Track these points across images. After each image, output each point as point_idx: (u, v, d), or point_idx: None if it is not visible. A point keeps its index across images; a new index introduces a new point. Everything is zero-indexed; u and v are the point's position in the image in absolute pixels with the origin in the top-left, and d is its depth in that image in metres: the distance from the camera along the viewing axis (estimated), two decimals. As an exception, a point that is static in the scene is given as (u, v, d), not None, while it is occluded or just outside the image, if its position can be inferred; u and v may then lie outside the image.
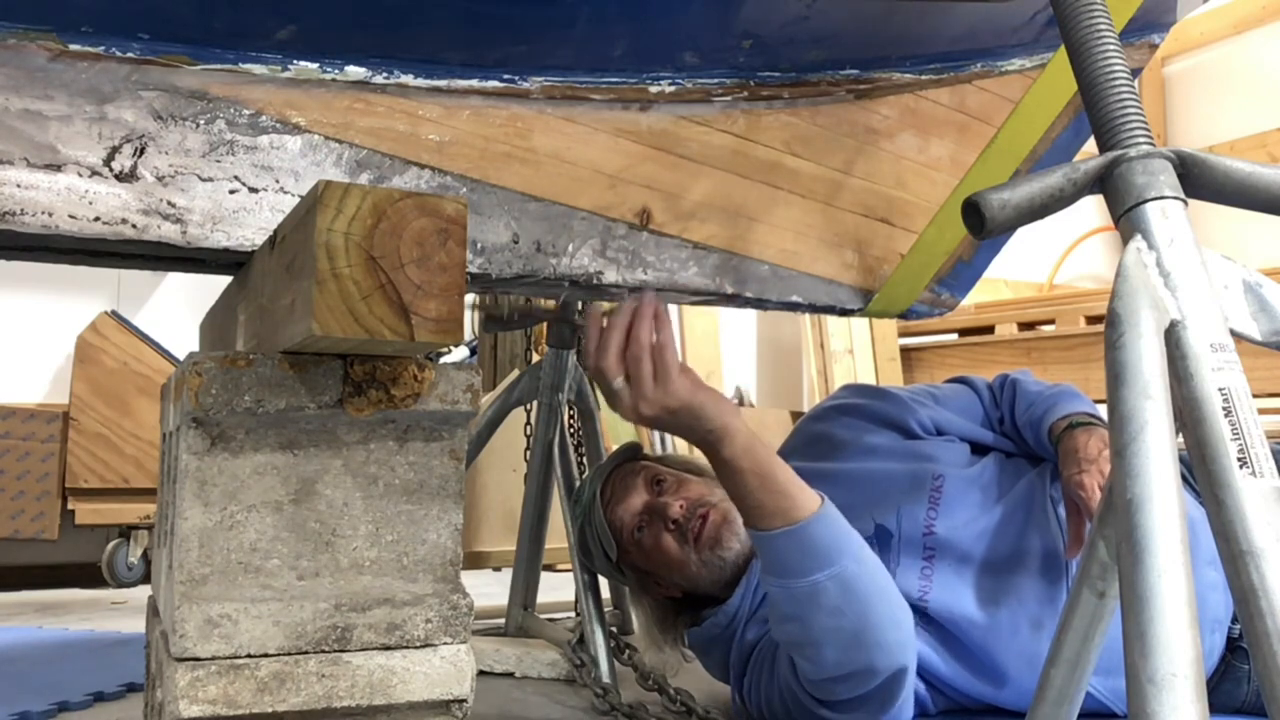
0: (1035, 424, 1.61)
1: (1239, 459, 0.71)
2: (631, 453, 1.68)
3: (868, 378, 4.35)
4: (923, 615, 1.46)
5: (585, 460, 2.31)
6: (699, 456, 1.41)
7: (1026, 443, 1.64)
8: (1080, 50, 0.91)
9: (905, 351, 4.50)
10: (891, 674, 1.29)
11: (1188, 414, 0.74)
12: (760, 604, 1.53)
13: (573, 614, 2.20)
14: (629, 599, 2.02)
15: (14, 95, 0.95)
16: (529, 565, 2.23)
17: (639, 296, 1.23)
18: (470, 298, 2.29)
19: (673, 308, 3.96)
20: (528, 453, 2.36)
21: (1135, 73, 1.03)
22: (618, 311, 1.23)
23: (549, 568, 2.86)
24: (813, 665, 1.30)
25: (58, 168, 0.96)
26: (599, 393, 2.40)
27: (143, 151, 1.00)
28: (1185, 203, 0.83)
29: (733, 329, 4.60)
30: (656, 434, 3.90)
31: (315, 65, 1.06)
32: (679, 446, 3.92)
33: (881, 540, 1.50)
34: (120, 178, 0.99)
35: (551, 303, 2.09)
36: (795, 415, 4.52)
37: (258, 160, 1.04)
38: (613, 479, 1.62)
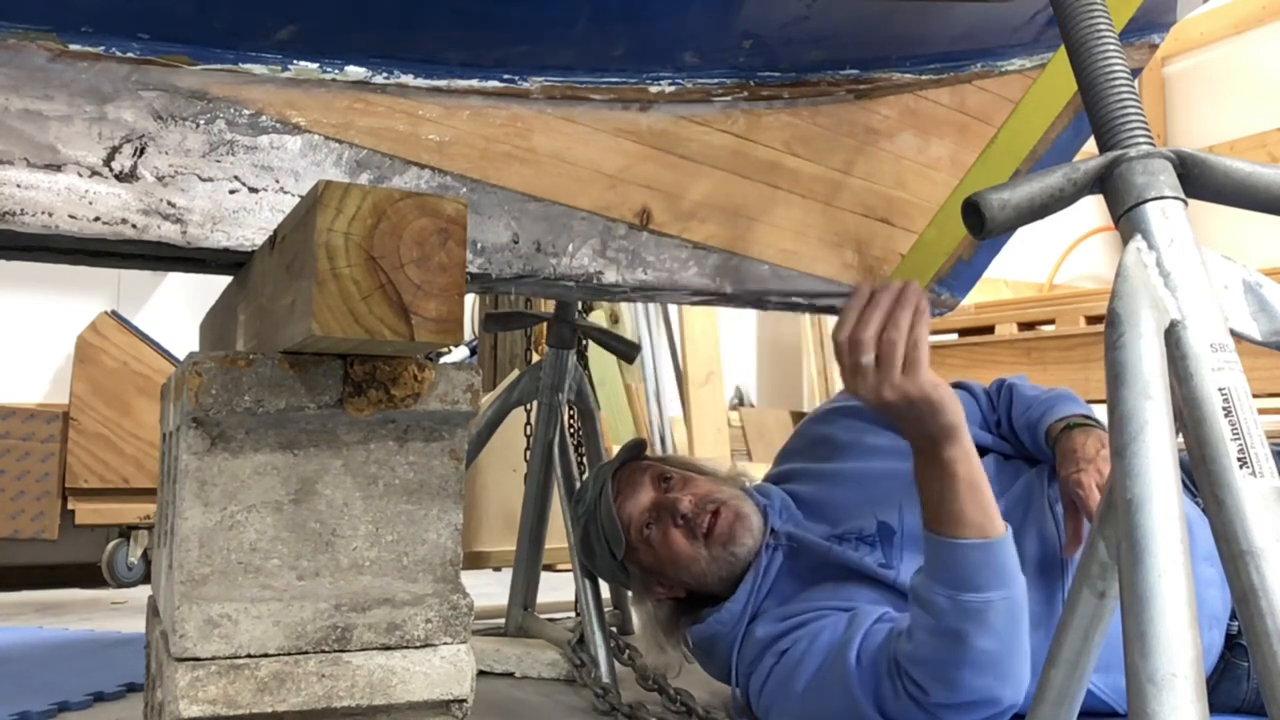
0: (1032, 426, 1.61)
1: (1239, 459, 0.71)
2: (636, 450, 1.68)
3: (868, 378, 4.33)
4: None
5: (585, 460, 2.31)
6: (701, 458, 1.40)
7: (1024, 445, 1.65)
8: (1080, 50, 0.91)
9: (905, 351, 4.49)
10: (1007, 708, 1.29)
11: (1188, 414, 0.74)
12: (766, 599, 1.53)
13: (573, 614, 2.20)
14: (630, 599, 2.01)
15: (14, 95, 0.95)
16: (529, 565, 2.23)
17: (906, 284, 1.23)
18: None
19: (672, 307, 3.96)
20: (528, 453, 2.36)
21: (1135, 73, 1.03)
22: (883, 292, 1.22)
23: (549, 568, 2.86)
24: (943, 686, 1.27)
25: (58, 168, 0.96)
26: (597, 395, 2.40)
27: (143, 151, 1.00)
28: (1185, 203, 0.83)
29: (733, 329, 4.60)
30: (657, 434, 3.90)
31: (315, 65, 1.06)
32: (677, 447, 3.93)
33: (884, 537, 1.50)
34: (120, 178, 0.99)
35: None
36: (795, 415, 4.52)
37: (258, 160, 1.04)
38: (618, 476, 1.61)
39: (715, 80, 1.28)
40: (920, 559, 1.47)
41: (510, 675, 1.98)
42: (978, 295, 2.59)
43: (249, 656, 0.85)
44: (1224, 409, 0.73)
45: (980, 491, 1.25)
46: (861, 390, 1.21)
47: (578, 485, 2.03)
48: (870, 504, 1.53)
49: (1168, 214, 0.81)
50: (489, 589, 2.87)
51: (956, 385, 1.80)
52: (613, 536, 1.57)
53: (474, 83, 1.14)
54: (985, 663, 1.25)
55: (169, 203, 1.01)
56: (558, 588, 2.68)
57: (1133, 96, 0.88)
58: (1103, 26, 0.90)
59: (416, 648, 0.90)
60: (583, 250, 1.24)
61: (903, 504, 1.53)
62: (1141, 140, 0.85)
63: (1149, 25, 1.55)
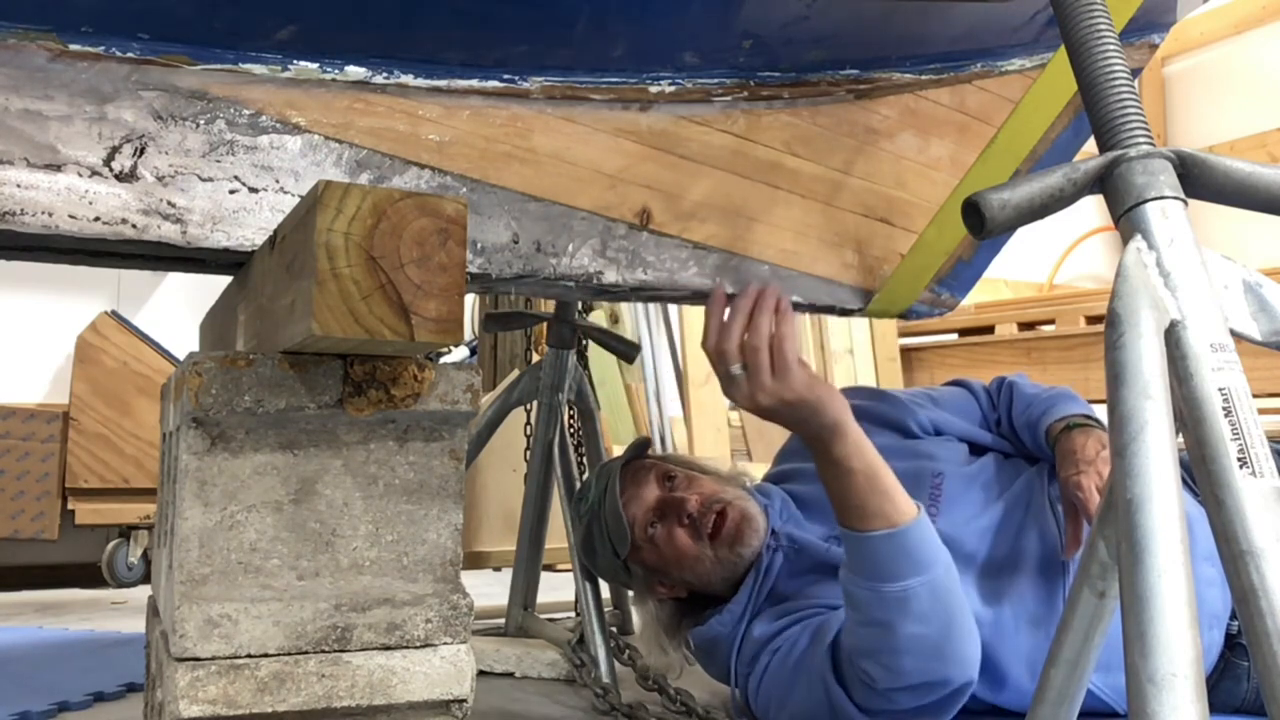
0: (1033, 425, 1.61)
1: (1239, 459, 0.71)
2: (641, 449, 1.68)
3: (868, 378, 4.35)
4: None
5: (585, 460, 2.31)
6: (702, 458, 1.41)
7: (1024, 444, 1.65)
8: (1080, 50, 0.91)
9: (905, 351, 4.50)
10: (958, 687, 1.29)
11: (1188, 414, 0.74)
12: (766, 600, 1.53)
13: (573, 614, 2.20)
14: (631, 600, 2.01)
15: (14, 95, 0.95)
16: (529, 565, 2.23)
17: (763, 289, 1.23)
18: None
19: (672, 307, 3.96)
20: (528, 453, 2.36)
21: (1135, 73, 1.03)
22: (740, 297, 1.22)
23: (549, 568, 2.86)
24: (889, 673, 1.28)
25: (58, 168, 0.96)
26: (597, 395, 2.40)
27: (143, 151, 1.00)
28: (1185, 203, 0.83)
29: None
30: (657, 434, 3.91)
31: (315, 65, 1.06)
32: (678, 447, 3.93)
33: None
34: (120, 178, 0.99)
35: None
36: (795, 415, 4.51)
37: (258, 160, 1.04)
38: (623, 475, 1.61)
39: (715, 80, 1.28)
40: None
41: (510, 675, 1.98)
42: (978, 295, 2.59)
43: (249, 656, 0.85)
44: (1224, 409, 0.73)
45: (879, 481, 1.24)
46: (737, 399, 1.22)
47: (578, 485, 2.03)
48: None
49: (1168, 214, 0.81)
50: (489, 589, 2.87)
51: (956, 383, 1.80)
52: (617, 535, 1.57)
53: (474, 83, 1.14)
54: (919, 648, 1.25)
55: (169, 203, 1.01)
56: (558, 588, 2.68)
57: (1133, 96, 0.88)
58: (1103, 26, 0.90)
59: (416, 648, 0.90)
60: (583, 250, 1.24)
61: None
62: (1141, 140, 0.85)
63: (1149, 25, 1.55)
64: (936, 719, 1.34)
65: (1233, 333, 0.79)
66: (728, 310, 1.25)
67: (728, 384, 1.23)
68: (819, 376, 1.24)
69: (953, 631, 1.26)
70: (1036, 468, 1.61)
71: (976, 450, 1.67)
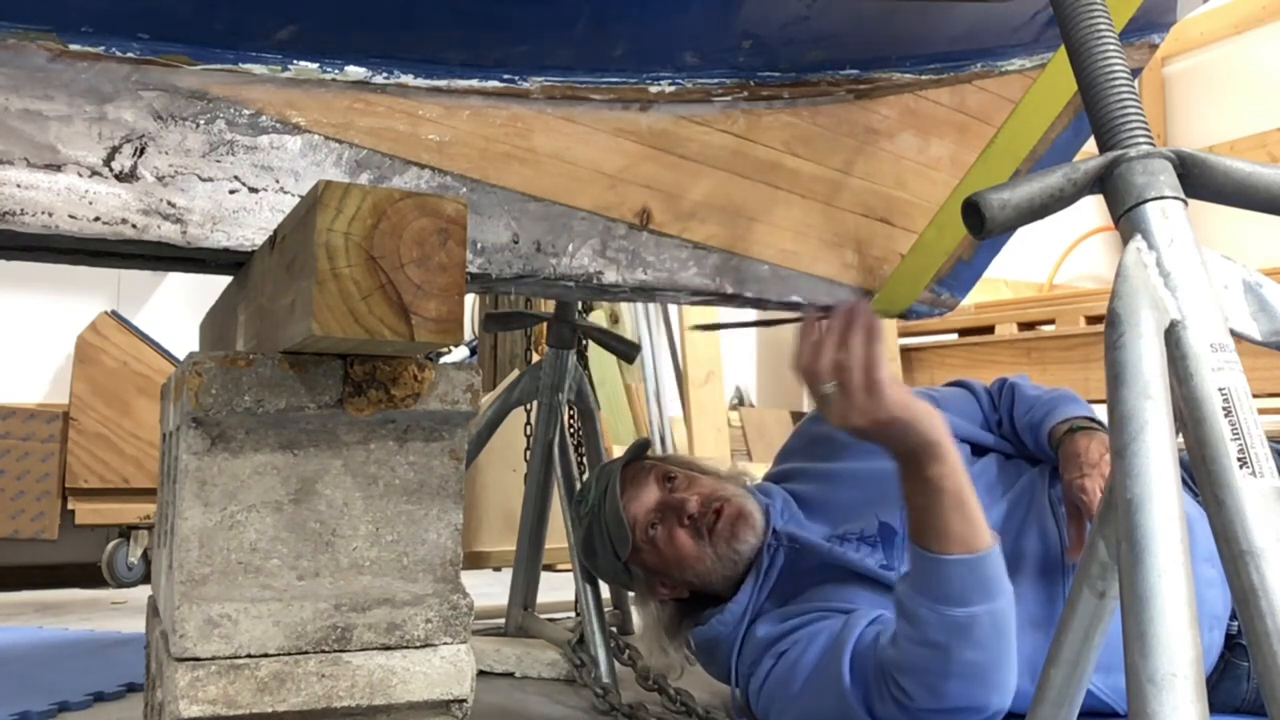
0: (1035, 427, 1.61)
1: (1239, 459, 0.71)
2: (641, 450, 1.68)
3: (868, 378, 4.34)
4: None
5: (585, 460, 2.31)
6: (702, 458, 1.40)
7: (1025, 445, 1.64)
8: (1080, 50, 0.90)
9: (905, 351, 4.50)
10: (993, 714, 1.29)
11: (1188, 414, 0.74)
12: (767, 600, 1.53)
13: (573, 614, 2.20)
14: (632, 600, 2.01)
15: (14, 95, 0.95)
16: (529, 565, 2.23)
17: (854, 304, 1.21)
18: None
19: (673, 307, 3.96)
20: (528, 453, 2.36)
21: (1135, 73, 1.03)
22: (833, 318, 1.20)
23: (549, 568, 2.85)
24: (929, 694, 1.27)
25: (58, 168, 0.96)
26: (597, 395, 2.40)
27: (143, 151, 1.00)
28: (1185, 203, 0.83)
29: (732, 329, 4.60)
30: (657, 434, 3.91)
31: (315, 65, 1.06)
32: (678, 447, 3.93)
33: (885, 538, 1.50)
34: (120, 178, 0.99)
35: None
36: (795, 415, 4.52)
37: (258, 160, 1.04)
38: (623, 477, 1.61)
39: (715, 80, 1.28)
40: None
41: (510, 675, 1.98)
42: (978, 295, 2.59)
43: (249, 656, 0.85)
44: (1224, 409, 0.73)
45: (966, 506, 1.23)
46: (832, 419, 1.20)
47: (578, 485, 2.03)
48: (871, 504, 1.53)
49: (1168, 214, 0.81)
50: (489, 589, 2.87)
51: (957, 384, 1.80)
52: (618, 537, 1.57)
53: (474, 83, 1.14)
54: (970, 674, 1.25)
55: (169, 203, 1.01)
56: (558, 588, 2.68)
57: (1133, 96, 0.88)
58: (1103, 26, 0.90)
59: (416, 648, 0.90)
60: (583, 250, 1.24)
61: (904, 505, 1.53)
62: (1141, 140, 0.85)
63: (1149, 25, 1.55)
64: None
65: (1233, 333, 0.78)
66: (818, 329, 1.22)
67: (822, 403, 1.21)
68: (914, 396, 1.22)
69: (1002, 661, 1.26)
70: (1038, 469, 1.60)
71: (978, 451, 1.67)
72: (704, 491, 1.56)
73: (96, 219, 0.98)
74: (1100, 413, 1.30)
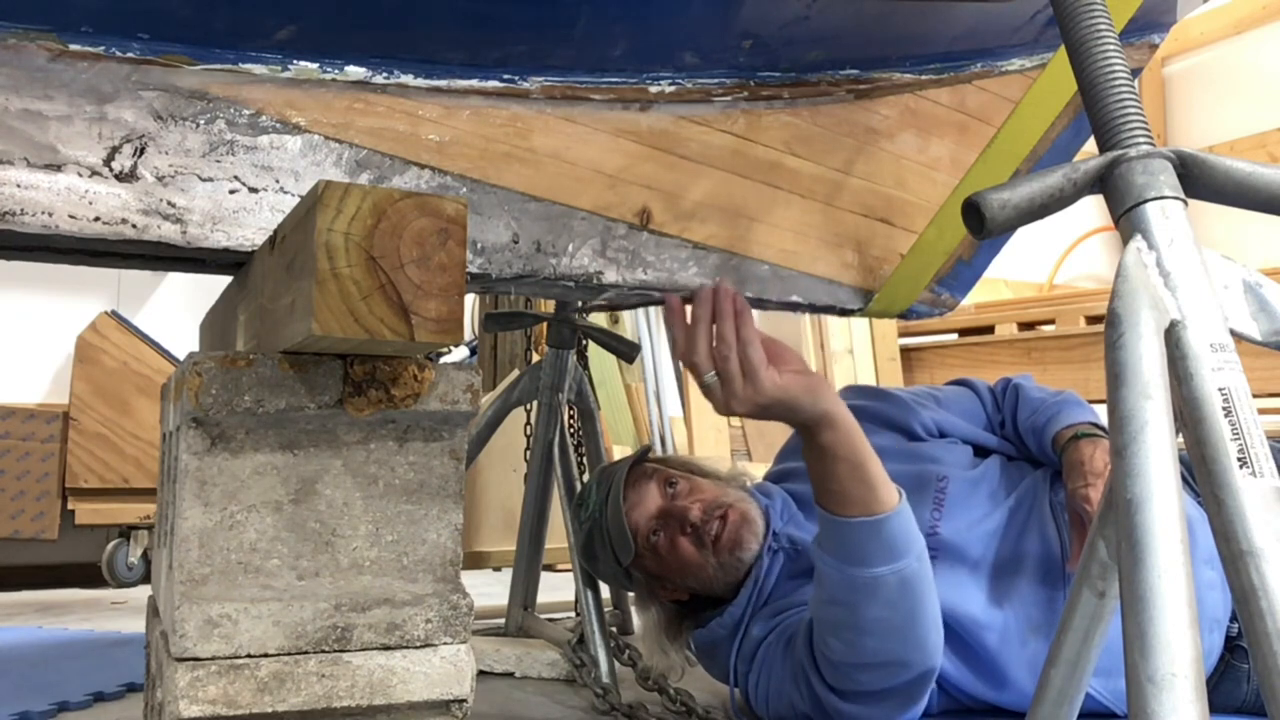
0: (1038, 431, 1.61)
1: (1239, 459, 0.71)
2: (642, 457, 1.68)
3: (868, 378, 4.35)
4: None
5: (585, 460, 2.31)
6: (702, 458, 1.41)
7: (1028, 448, 1.64)
8: (1080, 50, 0.91)
9: (905, 351, 4.50)
10: (921, 672, 1.30)
11: (1188, 414, 0.74)
12: (766, 601, 1.53)
13: (573, 614, 2.20)
14: (631, 601, 2.01)
15: (14, 95, 0.95)
16: (529, 565, 2.23)
17: (715, 289, 1.22)
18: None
19: (673, 308, 3.95)
20: (528, 453, 2.36)
21: (1135, 73, 1.03)
22: (698, 305, 1.22)
23: (549, 568, 2.86)
24: (848, 648, 1.30)
25: (58, 168, 0.96)
26: (597, 395, 2.40)
27: (143, 151, 1.00)
28: (1185, 203, 0.83)
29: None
30: (657, 434, 3.91)
31: (315, 65, 1.06)
32: (678, 447, 3.93)
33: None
34: (120, 178, 0.99)
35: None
36: (795, 415, 4.50)
37: (258, 160, 1.04)
38: (625, 482, 1.61)
39: (715, 80, 1.28)
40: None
41: (510, 675, 1.98)
42: (978, 295, 2.59)
43: (249, 656, 0.85)
44: (1224, 409, 0.73)
45: (864, 469, 1.24)
46: (716, 407, 1.22)
47: (578, 486, 2.03)
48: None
49: (1168, 214, 0.81)
50: (489, 589, 2.87)
51: (960, 383, 1.80)
52: (620, 544, 1.57)
53: (474, 83, 1.14)
54: (883, 630, 1.27)
55: (169, 203, 1.01)
56: (558, 588, 2.68)
57: (1133, 96, 0.88)
58: (1103, 26, 0.90)
59: (416, 648, 0.90)
60: (583, 250, 1.24)
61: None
62: (1141, 140, 0.85)
63: (1149, 25, 1.55)
64: (907, 706, 1.36)
65: (1233, 333, 0.79)
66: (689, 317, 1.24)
67: (706, 392, 1.23)
68: (799, 368, 1.23)
69: (917, 619, 1.27)
70: (1040, 472, 1.60)
71: (980, 452, 1.67)
72: (706, 499, 1.56)
73: (96, 219, 0.98)
74: (1100, 413, 1.30)
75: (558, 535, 2.19)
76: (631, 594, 1.83)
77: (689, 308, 1.23)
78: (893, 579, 1.24)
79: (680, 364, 1.25)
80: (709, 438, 3.95)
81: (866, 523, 1.24)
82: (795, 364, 1.24)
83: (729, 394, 1.20)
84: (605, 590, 2.13)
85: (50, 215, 0.96)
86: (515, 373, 2.35)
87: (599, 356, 3.38)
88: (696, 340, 1.21)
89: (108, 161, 0.98)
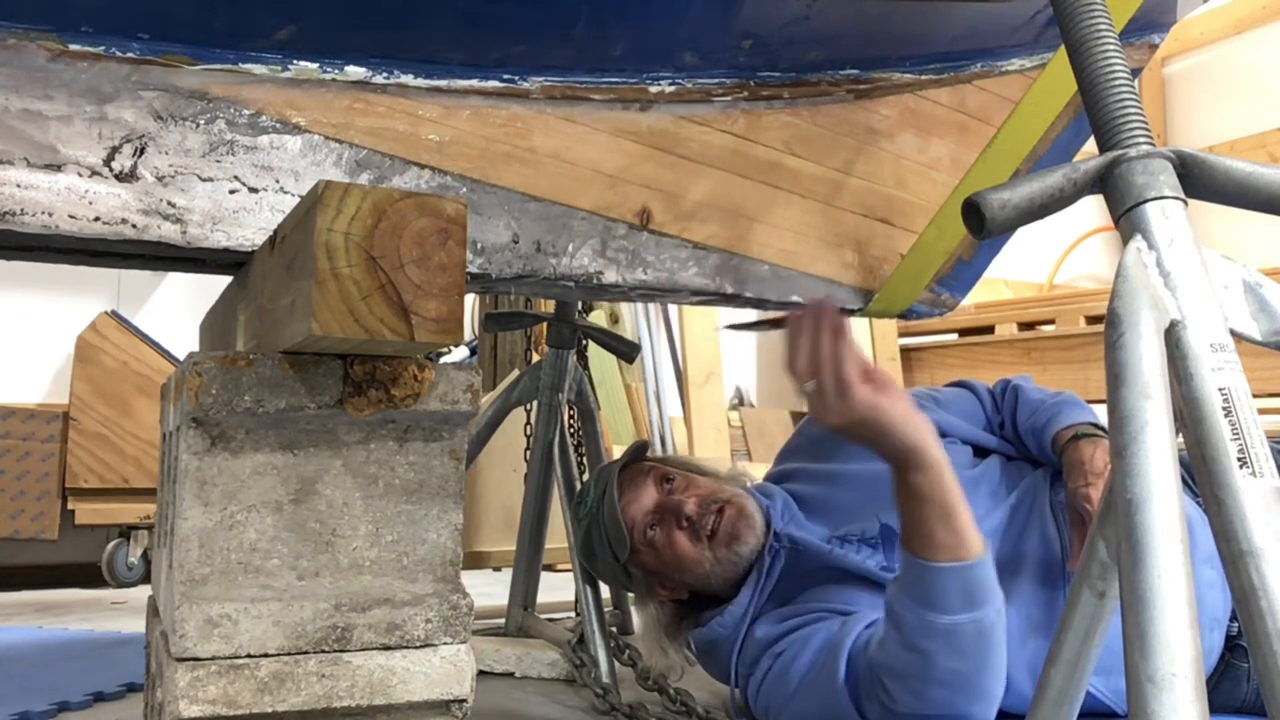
0: (1038, 432, 1.61)
1: (1239, 459, 0.71)
2: (639, 453, 1.68)
3: (868, 378, 4.34)
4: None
5: (585, 460, 2.31)
6: (701, 458, 1.40)
7: (1028, 449, 1.64)
8: (1080, 50, 0.90)
9: (905, 351, 4.50)
10: None
11: (1188, 414, 0.74)
12: (767, 602, 1.53)
13: (573, 614, 2.20)
14: (632, 601, 2.01)
15: (14, 95, 0.95)
16: (529, 565, 2.23)
17: (817, 304, 1.22)
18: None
19: (672, 307, 3.96)
20: (528, 453, 2.36)
21: (1135, 73, 1.03)
22: (802, 318, 1.21)
23: (549, 568, 2.86)
24: (915, 699, 1.27)
25: (58, 168, 0.96)
26: (597, 395, 2.40)
27: (143, 151, 1.00)
28: (1185, 203, 0.83)
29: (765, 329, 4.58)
30: (657, 434, 3.91)
31: (315, 65, 1.06)
32: (677, 447, 3.93)
33: (886, 539, 1.50)
34: (120, 178, 0.99)
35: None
36: (796, 415, 4.52)
37: (258, 160, 1.04)
38: (621, 479, 1.61)
39: (715, 80, 1.28)
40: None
41: (510, 675, 1.98)
42: (978, 295, 2.60)
43: (249, 656, 0.85)
44: (1224, 409, 0.73)
45: (953, 516, 1.22)
46: (814, 417, 1.22)
47: (578, 485, 2.03)
48: (872, 505, 1.52)
49: (1168, 214, 0.81)
50: (489, 589, 2.87)
51: (960, 384, 1.80)
52: (616, 539, 1.57)
53: (474, 83, 1.14)
54: (952, 681, 1.25)
55: (169, 203, 1.01)
56: (558, 588, 2.68)
57: (1133, 96, 0.88)
58: (1103, 26, 0.90)
59: (416, 648, 0.90)
60: (583, 250, 1.24)
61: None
62: (1141, 140, 0.85)
63: (1149, 25, 1.55)
64: None
65: (1233, 333, 0.78)
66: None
67: (807, 404, 1.23)
68: (896, 398, 1.21)
69: (987, 670, 1.26)
70: (1040, 471, 1.60)
71: (980, 453, 1.67)
72: (702, 493, 1.56)
73: (96, 219, 0.98)
74: (1100, 413, 1.30)
75: (558, 535, 2.19)
76: (631, 594, 1.83)
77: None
78: (970, 628, 1.23)
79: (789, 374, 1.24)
80: (709, 438, 3.95)
81: (953, 569, 1.22)
82: (898, 395, 1.22)
83: (823, 404, 1.19)
84: (605, 590, 2.13)
85: (50, 215, 0.96)
86: (515, 373, 2.35)
87: (599, 356, 3.38)
88: (797, 351, 1.19)
89: (108, 161, 0.98)
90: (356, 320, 0.80)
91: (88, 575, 3.29)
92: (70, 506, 3.13)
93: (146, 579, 3.25)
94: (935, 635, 1.23)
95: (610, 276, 1.26)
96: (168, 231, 1.01)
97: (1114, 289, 0.79)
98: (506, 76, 1.15)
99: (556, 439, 2.10)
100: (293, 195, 1.05)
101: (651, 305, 3.96)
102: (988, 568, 1.25)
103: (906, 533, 1.26)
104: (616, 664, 1.83)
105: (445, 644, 0.91)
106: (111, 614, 2.75)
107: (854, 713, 1.34)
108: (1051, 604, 1.47)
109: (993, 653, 1.26)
